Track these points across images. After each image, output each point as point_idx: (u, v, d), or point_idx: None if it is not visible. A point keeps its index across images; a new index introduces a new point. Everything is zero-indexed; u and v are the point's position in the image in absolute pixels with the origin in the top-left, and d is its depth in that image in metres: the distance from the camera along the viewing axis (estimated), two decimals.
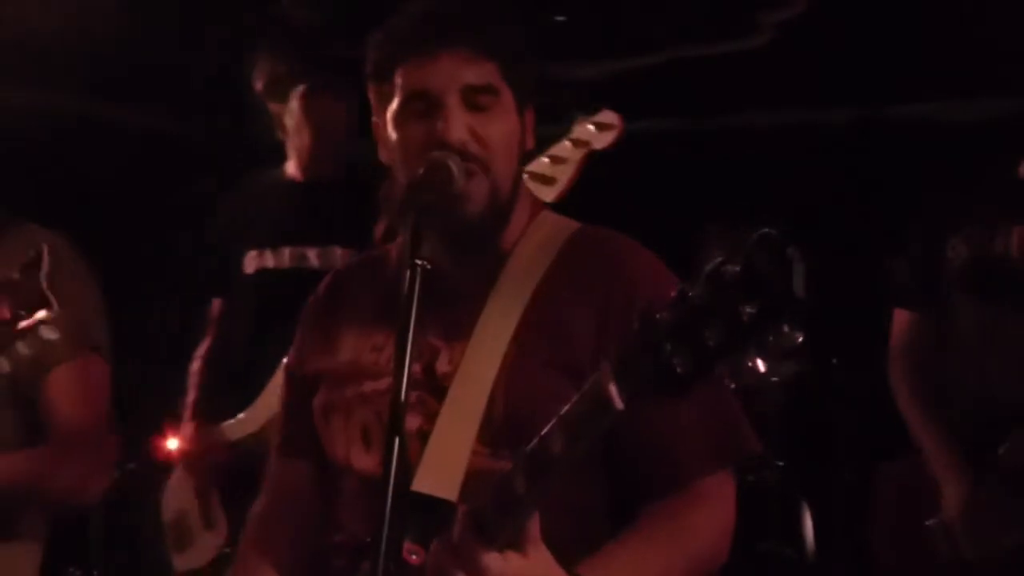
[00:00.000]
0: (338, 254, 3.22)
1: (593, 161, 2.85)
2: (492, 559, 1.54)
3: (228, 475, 3.15)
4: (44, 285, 1.96)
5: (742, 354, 1.32)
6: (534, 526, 1.55)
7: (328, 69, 3.28)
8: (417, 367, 1.84)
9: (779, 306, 1.27)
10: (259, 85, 3.36)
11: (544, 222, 1.97)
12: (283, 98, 3.31)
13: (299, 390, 2.04)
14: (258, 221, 3.35)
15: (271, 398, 3.13)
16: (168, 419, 3.47)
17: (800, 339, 1.30)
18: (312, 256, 3.24)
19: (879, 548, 3.18)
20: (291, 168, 3.38)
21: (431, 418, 1.81)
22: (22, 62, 4.15)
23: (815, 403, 4.71)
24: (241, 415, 3.22)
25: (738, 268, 1.29)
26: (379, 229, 3.02)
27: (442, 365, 1.85)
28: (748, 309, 1.28)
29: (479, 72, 1.84)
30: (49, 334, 2.00)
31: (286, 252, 3.27)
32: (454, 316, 1.88)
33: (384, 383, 1.64)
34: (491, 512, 1.55)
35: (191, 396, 3.35)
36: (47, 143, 4.25)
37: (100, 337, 2.45)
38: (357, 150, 3.30)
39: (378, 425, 1.81)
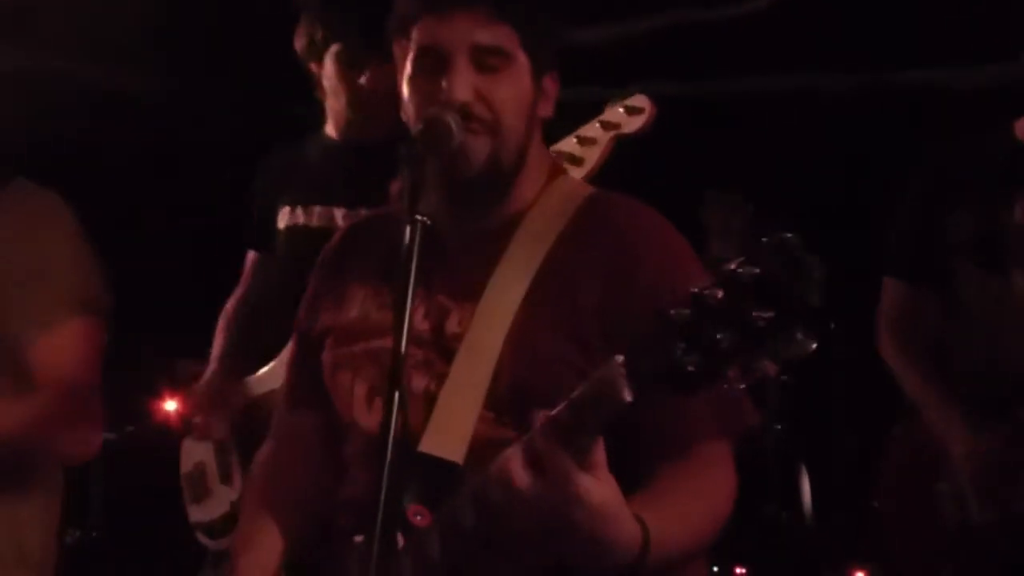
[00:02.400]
0: (358, 216, 3.22)
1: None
2: (578, 474, 1.52)
3: (247, 430, 3.15)
4: (41, 249, 1.93)
5: (753, 358, 1.32)
6: (601, 452, 1.55)
7: (364, 30, 3.22)
8: (426, 326, 1.86)
9: (795, 314, 1.27)
10: (299, 45, 3.33)
11: (559, 187, 1.96)
12: (320, 58, 3.27)
13: (307, 344, 2.05)
14: (295, 178, 3.35)
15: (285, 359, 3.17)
16: (167, 382, 3.48)
17: (813, 347, 1.28)
18: (339, 217, 3.23)
19: (884, 512, 3.18)
20: (329, 128, 3.37)
21: (438, 379, 1.82)
22: (14, 24, 4.13)
23: (813, 368, 4.72)
24: (263, 371, 3.24)
25: (756, 272, 1.28)
26: (395, 187, 3.02)
27: (451, 326, 1.85)
28: (763, 315, 1.28)
29: (492, 33, 1.83)
30: (44, 300, 1.97)
31: (316, 211, 3.26)
32: (464, 277, 1.88)
33: (391, 340, 1.64)
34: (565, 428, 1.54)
35: (217, 346, 3.37)
36: (43, 105, 4.22)
37: (93, 298, 2.45)
38: (397, 114, 3.32)
39: (383, 383, 1.78)
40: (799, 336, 1.29)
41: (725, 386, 1.35)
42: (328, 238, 3.19)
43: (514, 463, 1.56)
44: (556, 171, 2.00)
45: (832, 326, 4.57)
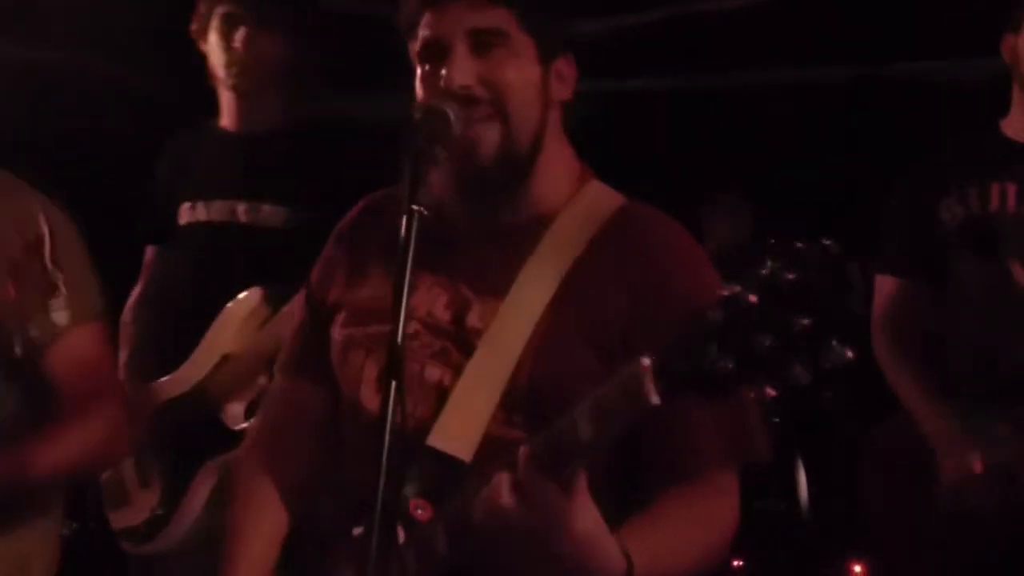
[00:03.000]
0: (266, 210, 3.10)
1: (592, 117, 2.83)
2: (561, 501, 1.51)
3: (161, 434, 3.08)
4: (49, 267, 1.93)
5: (788, 365, 1.29)
6: (583, 480, 1.53)
7: (266, 3, 3.13)
8: (447, 316, 1.83)
9: (834, 322, 1.25)
10: (194, 26, 3.19)
11: (590, 192, 1.93)
12: (206, 35, 3.15)
13: (316, 313, 2.02)
14: (192, 173, 3.24)
15: (203, 357, 3.10)
16: None
17: (850, 355, 1.26)
18: (241, 211, 3.13)
19: (871, 505, 3.18)
20: (223, 117, 3.24)
21: (453, 370, 1.80)
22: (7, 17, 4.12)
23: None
24: (175, 373, 3.14)
25: (794, 277, 1.26)
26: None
27: (472, 319, 1.82)
28: (802, 321, 1.26)
29: (487, 17, 1.81)
30: (60, 318, 1.98)
31: (216, 205, 3.16)
32: (489, 271, 1.85)
33: (409, 327, 1.63)
34: (552, 454, 1.52)
35: (123, 353, 3.23)
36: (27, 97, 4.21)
37: (98, 303, 2.44)
38: (296, 94, 3.21)
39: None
40: (835, 344, 1.26)
41: (755, 395, 1.32)
42: (228, 234, 3.12)
43: (501, 490, 1.55)
44: (585, 174, 1.96)
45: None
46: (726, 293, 1.32)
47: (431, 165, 1.70)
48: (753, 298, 1.29)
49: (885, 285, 3.17)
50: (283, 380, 2.07)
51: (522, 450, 1.54)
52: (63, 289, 1.97)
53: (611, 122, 4.58)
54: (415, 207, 1.65)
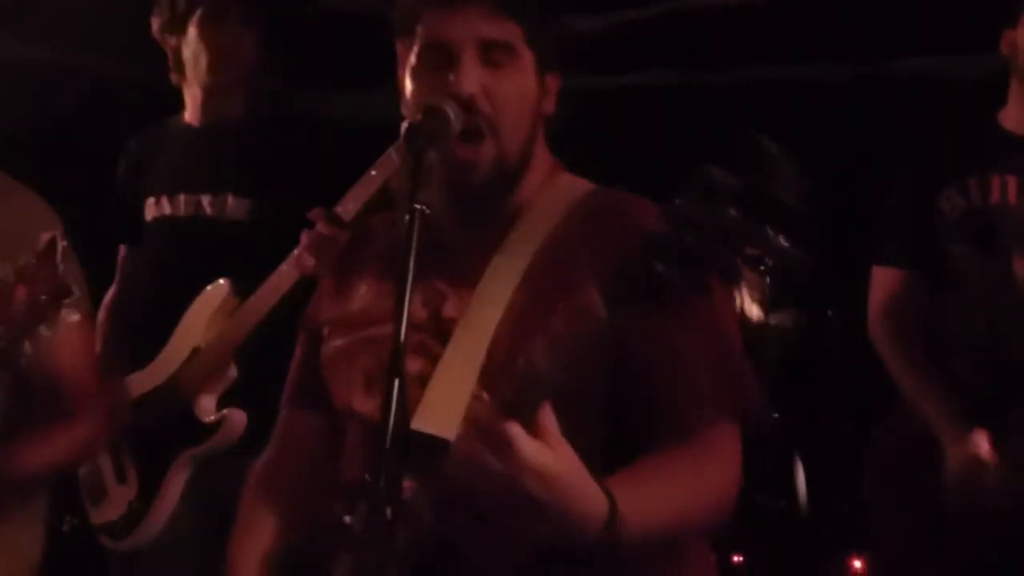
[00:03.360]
0: (231, 202, 3.13)
1: (591, 114, 2.84)
2: (525, 442, 1.51)
3: (136, 429, 3.11)
4: (61, 271, 1.96)
5: (727, 259, 1.30)
6: (551, 421, 1.54)
7: (247, 1, 3.16)
8: (423, 312, 1.87)
9: (762, 208, 1.26)
10: (156, 24, 3.22)
11: (559, 182, 1.97)
12: (181, 29, 3.17)
13: (311, 340, 2.06)
14: (156, 168, 3.27)
15: (174, 351, 3.13)
16: None
17: (786, 244, 1.25)
18: (206, 204, 3.16)
19: (874, 501, 3.18)
20: (188, 112, 3.27)
21: (433, 362, 1.82)
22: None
23: (810, 355, 4.72)
24: (145, 369, 3.19)
25: (719, 171, 1.29)
26: (392, 179, 2.97)
27: (448, 310, 1.86)
28: (731, 212, 1.27)
29: (498, 28, 1.83)
30: (72, 318, 2.00)
31: (181, 199, 3.19)
32: (462, 265, 1.89)
33: (388, 328, 1.64)
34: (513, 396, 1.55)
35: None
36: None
37: (86, 299, 2.48)
38: (263, 88, 3.24)
39: (379, 369, 1.79)
40: (769, 232, 1.27)
41: (702, 292, 1.36)
42: (195, 228, 3.15)
43: (466, 440, 1.58)
44: (557, 168, 2.00)
45: (829, 312, 4.58)
46: (667, 209, 1.36)
47: (430, 167, 1.73)
48: (681, 202, 1.32)
49: (885, 277, 3.18)
50: (286, 414, 2.10)
51: (483, 396, 1.58)
52: (75, 291, 2.00)
53: (608, 118, 4.58)
54: (418, 205, 1.67)
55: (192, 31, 3.15)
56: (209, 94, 3.21)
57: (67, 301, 1.98)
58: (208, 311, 3.11)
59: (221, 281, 3.11)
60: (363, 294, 1.98)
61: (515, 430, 1.51)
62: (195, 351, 3.10)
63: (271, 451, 2.12)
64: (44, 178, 2.51)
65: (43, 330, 2.01)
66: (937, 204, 3.07)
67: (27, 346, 2.12)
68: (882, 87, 4.93)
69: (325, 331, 2.00)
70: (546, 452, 1.52)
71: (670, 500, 1.72)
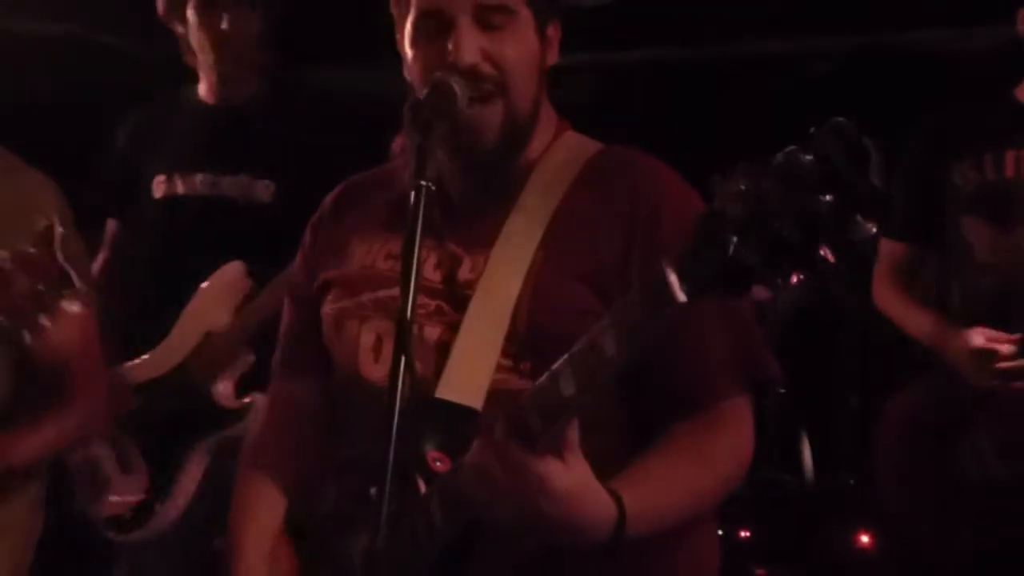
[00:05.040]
0: (251, 184, 3.08)
1: (598, 88, 2.81)
2: (534, 463, 1.52)
3: (142, 417, 3.04)
4: (61, 259, 1.96)
5: (813, 247, 1.27)
6: (574, 434, 1.54)
7: None
8: (438, 276, 1.85)
9: (856, 196, 1.24)
10: (161, 6, 3.17)
11: (568, 141, 1.96)
12: (182, 15, 3.12)
13: (304, 307, 2.03)
14: (169, 143, 3.19)
15: (183, 336, 3.06)
16: None
17: (874, 230, 1.25)
18: (225, 185, 3.10)
19: (887, 474, 3.19)
20: (203, 88, 3.21)
21: (451, 327, 1.80)
22: None
23: (816, 331, 4.72)
24: (147, 356, 3.10)
25: (812, 157, 1.25)
26: (396, 143, 2.92)
27: (464, 273, 1.84)
28: (824, 199, 1.24)
29: None
30: (73, 309, 2.01)
31: (198, 179, 3.13)
32: (476, 225, 1.87)
33: (397, 291, 1.63)
34: (533, 415, 1.52)
35: None
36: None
37: (89, 278, 2.49)
38: (273, 65, 3.20)
39: (392, 333, 1.73)
40: (859, 219, 1.25)
41: (781, 282, 1.31)
42: (210, 208, 3.06)
43: (480, 451, 1.57)
44: (562, 126, 1.99)
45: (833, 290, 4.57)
46: (742, 186, 1.29)
47: (437, 140, 1.71)
48: (769, 183, 1.26)
49: (892, 249, 3.18)
50: (278, 381, 2.09)
51: (502, 414, 1.55)
52: (76, 282, 2.00)
53: (615, 93, 4.55)
54: (423, 182, 1.65)
55: (191, 18, 3.11)
56: (222, 77, 3.17)
57: (67, 291, 1.97)
58: (220, 294, 3.03)
59: (233, 263, 3.04)
60: (364, 252, 1.95)
61: (523, 452, 1.51)
62: (207, 336, 3.03)
63: (264, 420, 2.11)
64: (53, 153, 2.50)
65: (43, 319, 2.01)
66: (948, 177, 3.06)
67: (26, 335, 2.12)
68: (889, 59, 4.90)
69: (326, 293, 1.97)
70: (560, 470, 1.53)
71: (681, 489, 1.73)
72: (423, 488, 1.69)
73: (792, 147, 1.27)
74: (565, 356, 1.50)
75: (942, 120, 3.18)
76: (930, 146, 3.15)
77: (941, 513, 3.01)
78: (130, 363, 3.11)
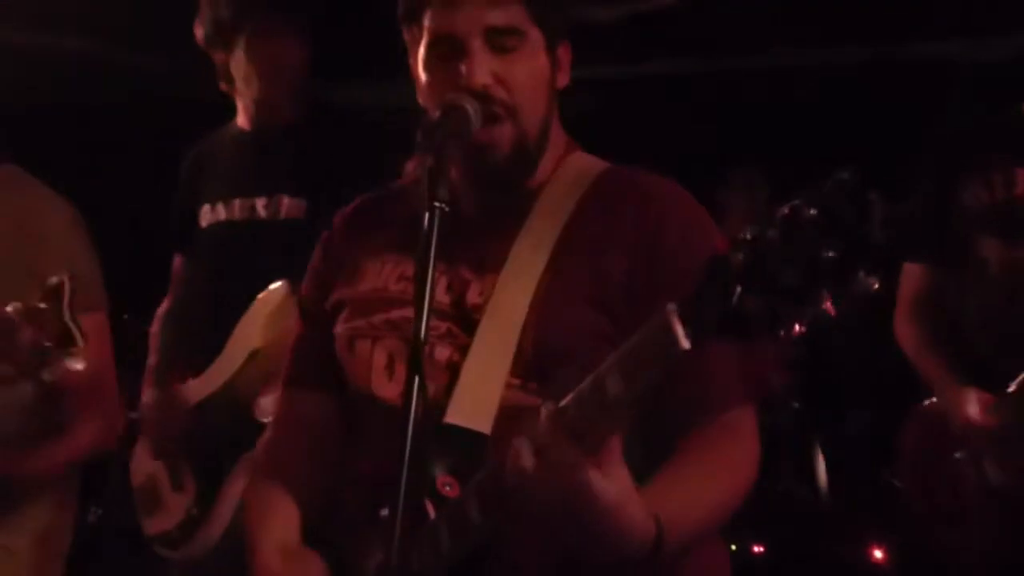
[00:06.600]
0: (285, 203, 3.10)
1: (609, 100, 2.82)
2: (582, 464, 1.50)
3: (193, 436, 3.08)
4: (67, 318, 1.97)
5: (815, 299, 1.29)
6: (615, 448, 1.53)
7: (276, 9, 3.10)
8: (448, 299, 1.86)
9: (859, 251, 1.25)
10: (200, 33, 3.17)
11: (574, 161, 1.97)
12: (227, 46, 3.13)
13: (313, 323, 2.04)
14: (212, 175, 3.24)
15: (232, 355, 3.09)
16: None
17: (876, 286, 1.27)
18: (260, 207, 3.13)
19: (906, 488, 3.18)
20: (240, 117, 3.24)
21: (461, 350, 1.81)
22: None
23: (831, 346, 4.71)
24: (201, 376, 3.14)
25: (816, 211, 1.26)
26: (410, 165, 2.95)
27: (472, 296, 1.85)
28: (828, 254, 1.26)
29: (503, 14, 1.83)
30: (75, 365, 2.02)
31: (236, 204, 3.16)
32: (484, 250, 1.88)
33: (410, 311, 1.64)
34: (580, 418, 1.51)
35: (151, 360, 3.27)
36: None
37: (102, 293, 2.53)
38: (313, 91, 3.20)
39: (404, 353, 1.76)
40: (862, 275, 1.27)
41: (783, 333, 1.33)
42: (249, 231, 3.11)
43: (521, 454, 1.54)
44: (571, 146, 2.00)
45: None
46: (747, 235, 1.31)
47: (450, 161, 1.73)
48: (774, 234, 1.28)
49: (913, 273, 3.18)
50: (287, 395, 2.09)
51: (542, 412, 1.54)
52: (80, 342, 2.01)
53: (627, 106, 4.56)
54: (437, 204, 1.67)
55: (240, 51, 3.12)
56: (264, 104, 3.21)
57: (72, 349, 1.98)
58: (266, 313, 3.04)
59: (279, 283, 3.04)
60: (376, 273, 1.96)
61: (577, 456, 1.50)
62: (253, 353, 3.04)
63: (273, 431, 2.11)
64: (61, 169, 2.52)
65: (45, 375, 2.02)
66: (959, 196, 3.06)
67: (28, 387, 2.15)
68: (902, 70, 4.90)
69: (339, 313, 1.98)
70: (606, 483, 1.52)
71: (706, 504, 1.73)
72: (431, 512, 1.70)
73: (797, 200, 1.29)
74: (569, 394, 1.52)
75: (950, 137, 3.18)
76: (942, 165, 3.14)
77: (957, 526, 3.01)
78: (186, 384, 3.16)
